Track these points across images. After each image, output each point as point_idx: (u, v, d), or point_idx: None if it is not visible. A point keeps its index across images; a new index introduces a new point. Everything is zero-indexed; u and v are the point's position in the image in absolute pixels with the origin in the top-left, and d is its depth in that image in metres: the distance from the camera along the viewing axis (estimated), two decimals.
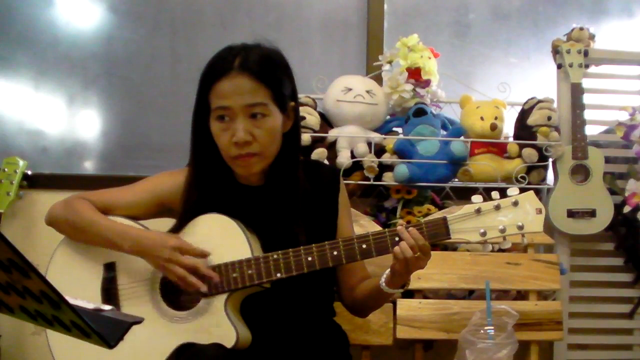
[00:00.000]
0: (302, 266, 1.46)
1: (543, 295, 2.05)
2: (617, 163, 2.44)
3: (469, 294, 2.09)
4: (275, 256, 1.46)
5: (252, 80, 1.46)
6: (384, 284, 1.51)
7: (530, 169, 2.25)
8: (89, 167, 2.58)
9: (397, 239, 1.45)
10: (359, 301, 1.64)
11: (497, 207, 1.46)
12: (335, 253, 1.46)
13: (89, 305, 0.84)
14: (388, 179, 2.21)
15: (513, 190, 1.47)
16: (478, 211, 1.47)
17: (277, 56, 1.53)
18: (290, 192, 1.56)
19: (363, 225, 1.96)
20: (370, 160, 2.18)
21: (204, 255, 1.47)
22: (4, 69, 2.53)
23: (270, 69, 1.49)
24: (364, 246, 1.46)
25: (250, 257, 1.47)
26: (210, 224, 1.52)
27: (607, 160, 2.33)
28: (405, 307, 1.93)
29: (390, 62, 2.34)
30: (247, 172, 1.55)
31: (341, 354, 1.63)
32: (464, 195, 2.23)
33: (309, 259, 1.46)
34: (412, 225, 1.46)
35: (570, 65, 2.29)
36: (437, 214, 2.02)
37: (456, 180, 2.26)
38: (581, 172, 2.28)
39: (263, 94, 1.48)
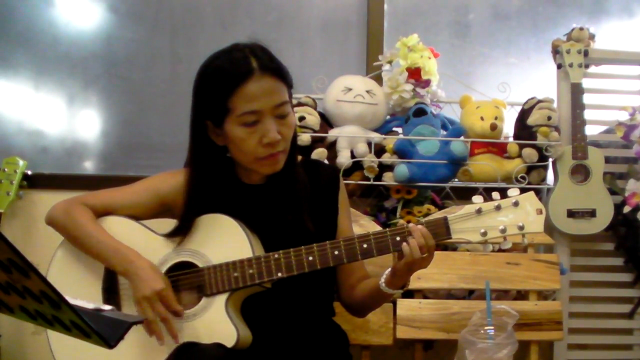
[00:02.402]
0: (303, 266, 1.46)
1: (543, 295, 2.05)
2: (617, 163, 2.44)
3: (469, 294, 2.09)
4: (276, 256, 1.46)
5: (275, 79, 1.47)
6: (383, 284, 1.51)
7: (530, 169, 2.25)
8: (89, 167, 2.58)
9: (398, 238, 1.45)
10: (357, 301, 1.64)
11: (498, 208, 1.47)
12: (336, 252, 1.46)
13: (89, 305, 0.84)
14: (388, 179, 2.21)
15: (513, 191, 1.47)
16: (479, 211, 1.47)
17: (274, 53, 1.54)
18: (292, 190, 1.56)
19: (363, 225, 1.96)
20: (370, 160, 2.18)
21: (178, 314, 1.45)
22: (4, 69, 2.53)
23: (282, 67, 1.50)
24: (365, 246, 1.46)
25: (251, 256, 1.47)
26: (212, 224, 1.51)
27: (607, 160, 2.33)
28: (405, 307, 1.93)
29: (390, 62, 2.34)
30: (273, 170, 1.54)
31: (341, 354, 1.63)
32: (464, 195, 2.23)
33: (310, 258, 1.46)
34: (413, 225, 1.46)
35: (570, 65, 2.29)
36: (437, 214, 2.02)
37: (456, 180, 2.26)
38: (581, 172, 2.28)
39: (284, 92, 1.49)
